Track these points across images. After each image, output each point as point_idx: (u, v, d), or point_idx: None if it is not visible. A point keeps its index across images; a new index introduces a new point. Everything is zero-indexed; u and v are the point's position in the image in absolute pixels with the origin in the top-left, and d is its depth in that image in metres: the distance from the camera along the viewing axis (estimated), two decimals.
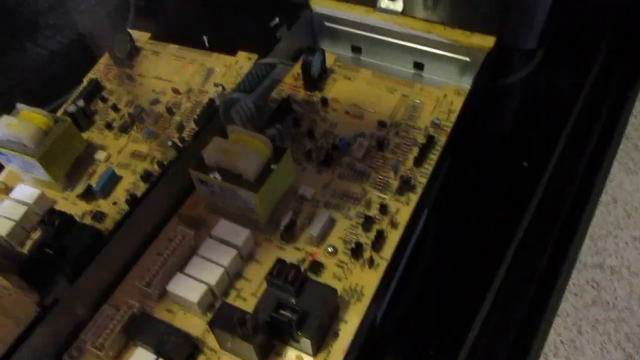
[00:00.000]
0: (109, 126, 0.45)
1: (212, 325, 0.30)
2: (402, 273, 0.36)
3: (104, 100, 0.48)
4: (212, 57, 0.50)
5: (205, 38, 0.51)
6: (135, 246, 0.37)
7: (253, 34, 0.53)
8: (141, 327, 0.32)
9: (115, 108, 0.47)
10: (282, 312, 0.30)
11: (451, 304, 0.36)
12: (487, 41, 0.44)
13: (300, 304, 0.31)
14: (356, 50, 0.50)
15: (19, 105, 0.41)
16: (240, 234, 0.35)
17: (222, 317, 0.30)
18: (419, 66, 0.48)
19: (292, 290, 0.31)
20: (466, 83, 0.46)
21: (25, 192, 0.40)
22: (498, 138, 0.46)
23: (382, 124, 0.43)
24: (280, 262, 0.32)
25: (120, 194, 0.41)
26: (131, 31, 0.52)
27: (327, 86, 0.46)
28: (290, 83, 0.46)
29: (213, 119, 0.41)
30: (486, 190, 0.41)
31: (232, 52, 0.49)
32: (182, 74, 0.49)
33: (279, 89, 0.46)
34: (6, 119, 0.40)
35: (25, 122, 0.39)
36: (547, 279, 0.37)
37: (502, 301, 0.35)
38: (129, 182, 0.41)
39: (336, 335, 0.32)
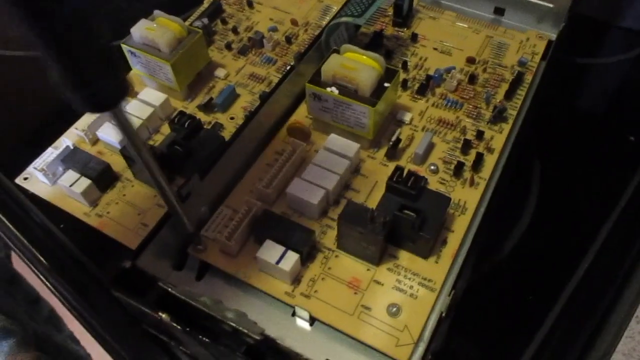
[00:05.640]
0: (228, 47, 0.47)
1: (341, 219, 0.32)
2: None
3: (224, 22, 0.49)
4: None
5: None
6: (249, 155, 0.39)
7: None
8: (267, 223, 0.34)
9: (235, 31, 0.48)
10: (406, 212, 0.32)
11: (548, 262, 0.37)
12: None
13: (419, 207, 0.33)
14: None
15: (156, 12, 0.42)
16: (351, 147, 0.37)
17: (350, 213, 0.32)
18: (499, 11, 0.49)
19: (413, 195, 0.33)
20: (544, 30, 0.48)
21: (152, 95, 0.41)
22: (605, 111, 0.47)
23: (470, 60, 0.44)
24: (398, 169, 0.34)
25: (237, 110, 0.42)
26: None
27: (413, 24, 0.48)
28: (378, 20, 0.48)
29: (316, 41, 0.43)
30: (590, 161, 0.42)
31: None
32: (299, 8, 0.50)
33: (367, 25, 0.47)
34: (145, 22, 0.41)
35: (162, 27, 0.40)
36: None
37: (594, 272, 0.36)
38: (246, 101, 0.43)
39: (445, 242, 0.35)
